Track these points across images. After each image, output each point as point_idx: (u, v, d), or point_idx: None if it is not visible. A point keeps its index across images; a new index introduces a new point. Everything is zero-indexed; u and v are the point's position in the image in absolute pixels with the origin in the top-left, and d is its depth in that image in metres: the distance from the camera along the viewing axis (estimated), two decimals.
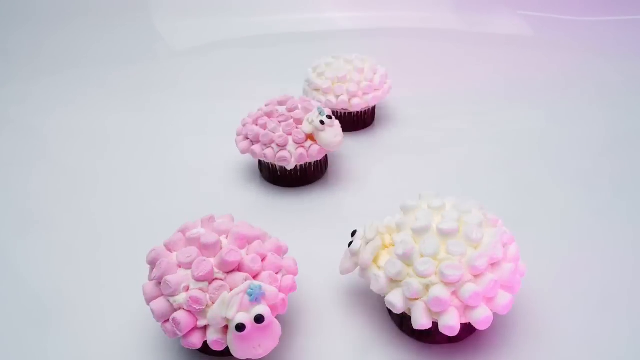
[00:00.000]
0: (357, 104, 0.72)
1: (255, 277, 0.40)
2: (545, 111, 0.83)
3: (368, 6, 1.22)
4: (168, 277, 0.39)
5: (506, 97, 0.88)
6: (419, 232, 0.41)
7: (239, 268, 0.40)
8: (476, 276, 0.39)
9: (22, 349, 0.46)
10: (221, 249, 0.40)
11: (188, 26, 1.18)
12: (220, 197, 0.65)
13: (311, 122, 0.60)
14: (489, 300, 0.39)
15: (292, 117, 0.61)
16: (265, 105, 0.63)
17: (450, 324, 0.38)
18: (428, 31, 1.15)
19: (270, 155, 0.60)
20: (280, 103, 0.63)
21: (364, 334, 0.46)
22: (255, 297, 0.37)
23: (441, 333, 0.42)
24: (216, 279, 0.39)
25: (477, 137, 0.76)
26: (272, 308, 0.39)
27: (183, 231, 0.44)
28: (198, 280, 0.38)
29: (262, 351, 0.37)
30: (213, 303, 0.38)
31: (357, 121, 0.76)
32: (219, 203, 0.63)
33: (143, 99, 0.91)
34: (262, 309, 0.37)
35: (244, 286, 0.37)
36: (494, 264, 0.40)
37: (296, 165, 0.61)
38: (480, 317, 0.39)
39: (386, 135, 0.77)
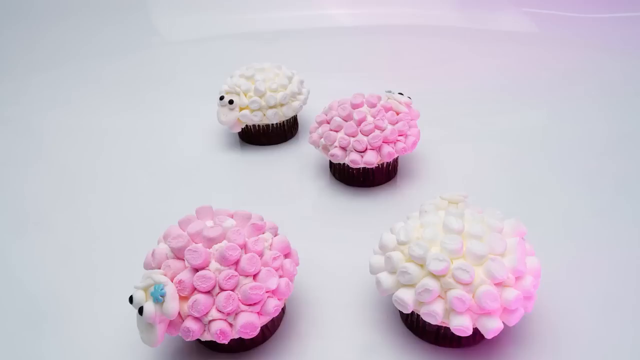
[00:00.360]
0: (298, 106, 0.71)
1: (195, 292, 0.39)
2: (548, 110, 0.82)
3: (369, 3, 1.20)
4: (166, 232, 0.42)
5: (510, 95, 0.87)
6: (446, 225, 0.41)
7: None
8: (434, 277, 0.39)
9: (17, 351, 0.45)
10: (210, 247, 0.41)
11: (186, 22, 1.17)
12: (217, 194, 0.64)
13: (402, 103, 0.60)
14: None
15: (383, 109, 0.59)
16: (342, 118, 0.59)
17: (382, 284, 0.41)
18: (430, 28, 1.14)
19: (391, 151, 0.58)
20: (356, 106, 0.59)
21: (375, 336, 0.46)
22: (152, 294, 0.38)
23: (450, 336, 0.42)
24: (182, 259, 0.40)
25: (480, 136, 0.75)
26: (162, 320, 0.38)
27: (229, 213, 0.44)
28: (170, 248, 0.40)
29: (143, 337, 0.39)
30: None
31: (286, 130, 0.74)
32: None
33: (140, 95, 0.91)
34: (148, 307, 0.37)
35: (160, 279, 0.38)
36: (464, 284, 0.38)
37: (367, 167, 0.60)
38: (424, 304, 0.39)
39: None
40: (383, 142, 0.58)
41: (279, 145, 0.73)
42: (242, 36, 1.14)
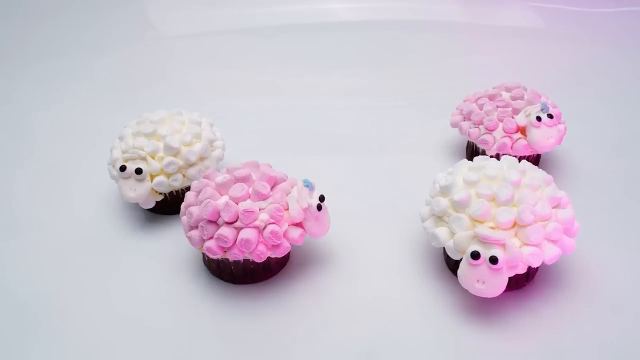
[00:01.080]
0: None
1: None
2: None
3: None
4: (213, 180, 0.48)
5: None
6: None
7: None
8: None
9: (6, 355, 0.44)
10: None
11: (183, 16, 1.16)
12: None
13: (527, 116, 0.58)
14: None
15: (511, 106, 0.59)
16: (493, 88, 0.64)
17: (438, 238, 0.45)
18: (434, 23, 1.12)
19: (474, 134, 0.61)
20: (508, 89, 0.62)
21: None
22: (307, 185, 0.47)
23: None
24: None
25: None
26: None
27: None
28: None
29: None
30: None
31: None
32: None
33: (134, 92, 0.89)
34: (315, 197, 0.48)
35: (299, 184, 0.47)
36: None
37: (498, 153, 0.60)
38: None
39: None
40: (471, 119, 0.61)
41: None
42: (242, 31, 1.12)
